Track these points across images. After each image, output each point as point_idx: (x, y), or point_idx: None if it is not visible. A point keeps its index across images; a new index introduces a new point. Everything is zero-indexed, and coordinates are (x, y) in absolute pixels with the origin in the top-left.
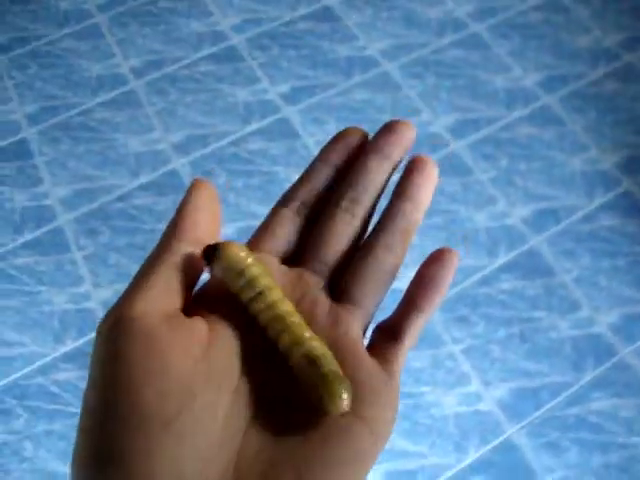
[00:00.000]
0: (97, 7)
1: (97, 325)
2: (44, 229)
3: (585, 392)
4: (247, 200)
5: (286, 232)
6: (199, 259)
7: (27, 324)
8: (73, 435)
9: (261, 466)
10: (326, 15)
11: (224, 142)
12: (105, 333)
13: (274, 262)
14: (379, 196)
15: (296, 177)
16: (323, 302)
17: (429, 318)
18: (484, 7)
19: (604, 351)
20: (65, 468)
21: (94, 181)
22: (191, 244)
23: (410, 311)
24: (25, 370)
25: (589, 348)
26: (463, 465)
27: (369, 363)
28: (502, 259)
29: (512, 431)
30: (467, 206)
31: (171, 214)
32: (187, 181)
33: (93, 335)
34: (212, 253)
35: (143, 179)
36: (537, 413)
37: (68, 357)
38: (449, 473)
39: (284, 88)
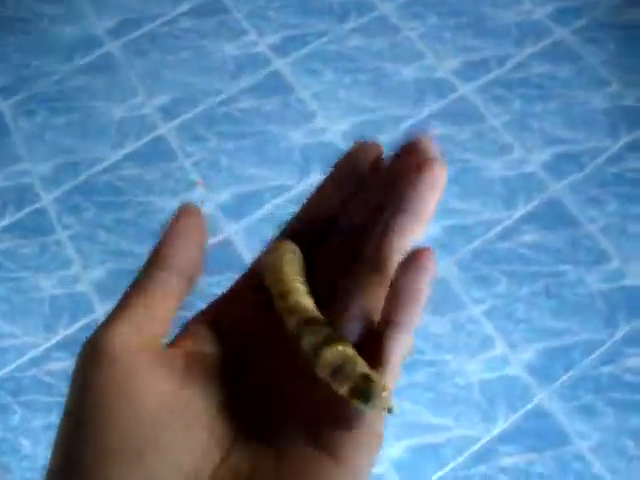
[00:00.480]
0: None
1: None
2: (26, 210)
3: (619, 349)
4: (241, 163)
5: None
6: (180, 288)
7: (16, 313)
8: None
9: None
10: None
11: (213, 102)
12: (84, 361)
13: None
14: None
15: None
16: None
17: (410, 337)
18: None
19: (638, 304)
20: None
21: (75, 154)
22: (173, 273)
23: (388, 329)
24: (18, 362)
25: (621, 302)
26: (492, 435)
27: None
28: (521, 210)
29: (542, 396)
30: (480, 155)
31: (160, 185)
32: (175, 147)
33: (86, 320)
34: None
35: (128, 148)
36: (568, 374)
37: (61, 346)
38: (477, 445)
39: (273, 39)
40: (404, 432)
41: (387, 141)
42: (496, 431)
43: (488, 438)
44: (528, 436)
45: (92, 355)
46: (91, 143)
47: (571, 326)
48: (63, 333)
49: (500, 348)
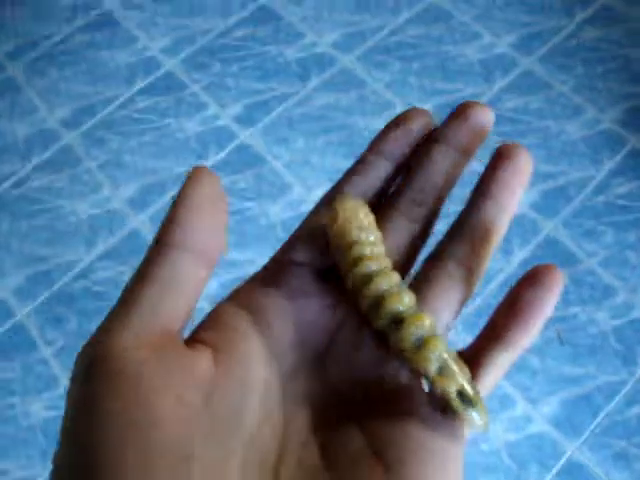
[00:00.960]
0: None
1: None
2: (52, 150)
3: None
4: (246, 80)
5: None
6: (199, 272)
7: (57, 238)
8: None
9: None
10: None
11: (211, 36)
12: (82, 374)
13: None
14: (446, 195)
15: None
16: (368, 333)
17: (517, 356)
18: None
19: None
20: None
21: (89, 98)
22: (188, 252)
23: (492, 345)
24: (65, 279)
25: (634, 336)
26: None
27: (426, 415)
28: (519, 256)
29: (573, 449)
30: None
31: (174, 111)
32: (184, 79)
33: (123, 233)
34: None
35: (140, 84)
36: (595, 422)
37: (104, 256)
38: None
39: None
40: None
41: None
42: None
43: None
44: None
45: (94, 365)
46: (103, 86)
47: (589, 370)
48: (103, 247)
49: (521, 405)
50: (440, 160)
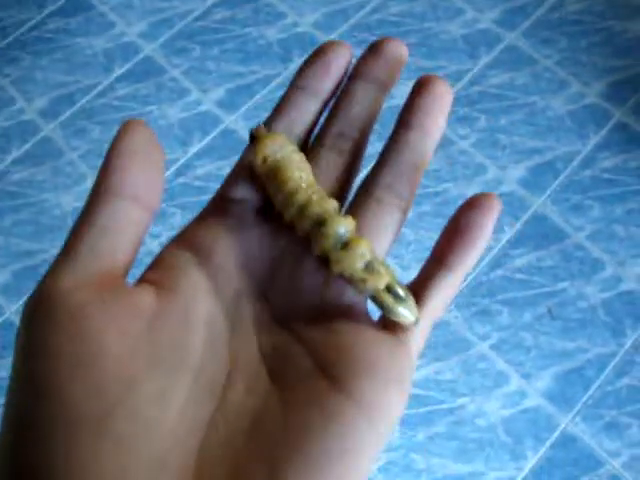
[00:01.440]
0: None
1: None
2: (31, 142)
3: (631, 358)
4: (227, 64)
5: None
6: (139, 217)
7: (43, 232)
8: None
9: (228, 465)
10: None
11: (190, 19)
12: (26, 318)
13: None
14: (370, 127)
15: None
16: (310, 257)
17: (460, 280)
18: None
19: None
20: None
21: (67, 87)
22: (125, 198)
23: (436, 270)
24: None
25: (623, 308)
26: (524, 474)
27: (368, 328)
28: (508, 234)
29: (567, 421)
30: (455, 182)
31: (155, 98)
32: (163, 64)
33: None
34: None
35: (118, 71)
36: (587, 394)
37: None
38: None
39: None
40: None
41: None
42: (528, 466)
43: (522, 476)
44: (559, 465)
45: (37, 309)
46: (80, 75)
47: (580, 344)
48: None
49: (515, 381)
50: (360, 95)
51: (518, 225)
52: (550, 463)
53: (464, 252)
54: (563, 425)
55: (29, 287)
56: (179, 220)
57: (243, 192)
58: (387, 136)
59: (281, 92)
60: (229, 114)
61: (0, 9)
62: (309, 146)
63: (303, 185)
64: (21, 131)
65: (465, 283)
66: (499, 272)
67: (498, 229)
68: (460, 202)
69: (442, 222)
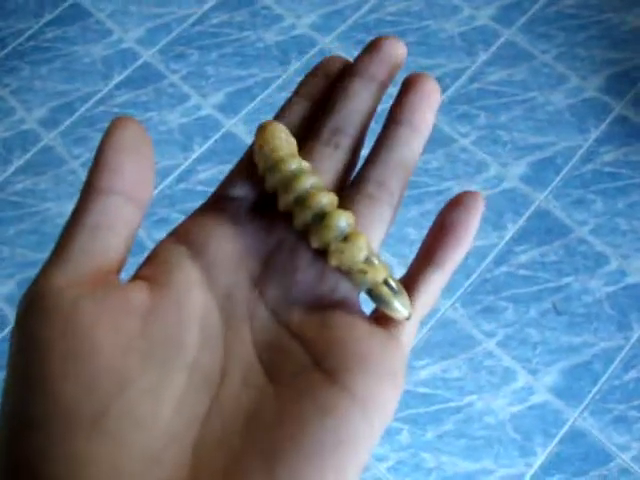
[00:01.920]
0: None
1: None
2: (32, 151)
3: (637, 351)
4: (226, 68)
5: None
6: (130, 214)
7: (46, 240)
8: None
9: (223, 460)
10: None
11: (187, 24)
12: (20, 316)
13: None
14: (366, 124)
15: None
16: (304, 252)
17: (448, 277)
18: None
19: None
20: None
21: (67, 95)
22: (116, 195)
23: (425, 267)
24: None
25: (628, 302)
26: (534, 470)
27: (361, 324)
28: (512, 230)
29: (575, 416)
30: (457, 180)
31: (155, 104)
32: (162, 69)
33: None
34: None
35: (117, 78)
36: (595, 388)
37: None
38: None
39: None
40: None
41: None
42: (538, 462)
43: (532, 472)
44: (570, 462)
45: (30, 307)
46: (81, 83)
47: (586, 339)
48: None
49: (522, 377)
50: (357, 91)
51: (521, 221)
52: (559, 458)
53: (452, 249)
54: (572, 420)
55: None
56: None
57: (241, 190)
58: None
59: (281, 94)
60: (229, 118)
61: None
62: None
63: (305, 171)
64: (22, 141)
65: (469, 281)
66: (503, 269)
67: (501, 226)
68: None
69: None
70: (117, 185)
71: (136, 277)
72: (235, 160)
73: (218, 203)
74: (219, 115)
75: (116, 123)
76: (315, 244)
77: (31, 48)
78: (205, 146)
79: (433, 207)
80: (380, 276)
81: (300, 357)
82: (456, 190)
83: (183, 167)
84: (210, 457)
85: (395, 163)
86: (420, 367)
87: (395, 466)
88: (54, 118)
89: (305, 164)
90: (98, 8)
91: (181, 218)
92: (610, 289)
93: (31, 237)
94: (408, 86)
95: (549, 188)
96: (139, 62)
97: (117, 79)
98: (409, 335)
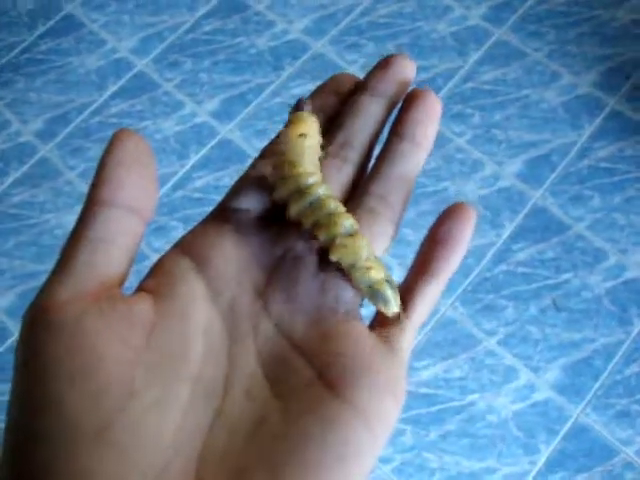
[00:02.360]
0: None
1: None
2: (29, 163)
3: (638, 345)
4: (219, 75)
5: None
6: (132, 227)
7: (46, 252)
8: None
9: (227, 473)
10: None
11: (180, 32)
12: (24, 332)
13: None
14: (375, 139)
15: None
16: (309, 262)
17: (443, 286)
18: None
19: None
20: None
21: (62, 107)
22: (119, 209)
23: (420, 278)
24: None
25: (628, 297)
26: (538, 467)
27: (364, 337)
28: (509, 228)
29: (578, 412)
30: (453, 180)
31: (150, 113)
32: (156, 78)
33: None
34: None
35: (112, 88)
36: (597, 384)
37: None
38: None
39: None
40: None
41: None
42: (542, 460)
43: (536, 470)
44: (574, 459)
45: (34, 323)
46: (75, 94)
47: (587, 334)
48: None
49: (524, 375)
50: (366, 107)
51: (518, 219)
52: (563, 455)
53: (445, 261)
54: (574, 416)
55: None
56: (181, 233)
57: (245, 203)
58: None
59: (275, 99)
60: (224, 124)
61: None
62: None
63: (320, 182)
64: (18, 153)
65: (469, 280)
66: (502, 267)
67: (498, 224)
68: (459, 199)
69: None
70: (118, 198)
71: (140, 289)
72: (232, 167)
73: (222, 215)
74: (214, 122)
75: (118, 136)
76: (322, 237)
77: (25, 60)
78: (201, 153)
79: (430, 207)
80: (382, 273)
81: (303, 370)
82: (452, 190)
83: (180, 175)
84: (214, 470)
85: (397, 177)
86: (421, 367)
87: (399, 467)
88: (50, 130)
89: (320, 177)
90: (91, 19)
91: (179, 226)
92: (609, 284)
93: (30, 249)
94: (410, 101)
95: (545, 185)
96: (133, 71)
97: (112, 89)
98: (408, 342)
